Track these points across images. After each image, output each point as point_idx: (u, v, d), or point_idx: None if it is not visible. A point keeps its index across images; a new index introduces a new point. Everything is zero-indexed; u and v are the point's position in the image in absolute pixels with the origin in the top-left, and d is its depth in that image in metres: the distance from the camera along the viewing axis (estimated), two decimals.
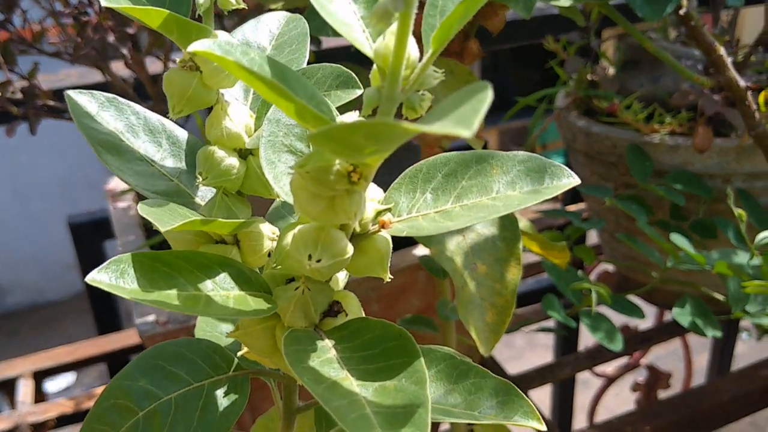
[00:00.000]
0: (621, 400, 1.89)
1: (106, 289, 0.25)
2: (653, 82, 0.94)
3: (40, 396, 1.04)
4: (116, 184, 0.94)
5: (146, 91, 0.77)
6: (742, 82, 0.62)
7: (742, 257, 0.72)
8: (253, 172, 0.32)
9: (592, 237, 1.57)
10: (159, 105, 0.75)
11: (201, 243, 0.33)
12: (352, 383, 0.26)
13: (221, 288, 0.28)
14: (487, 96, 0.18)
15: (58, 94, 0.78)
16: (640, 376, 1.57)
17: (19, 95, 0.68)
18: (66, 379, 2.42)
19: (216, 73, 0.31)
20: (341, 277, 0.31)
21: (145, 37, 0.78)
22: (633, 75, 0.95)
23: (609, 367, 1.54)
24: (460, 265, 0.55)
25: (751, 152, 0.81)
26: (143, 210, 0.29)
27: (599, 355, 1.02)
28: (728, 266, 0.70)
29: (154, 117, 0.35)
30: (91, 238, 1.18)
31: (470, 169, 0.28)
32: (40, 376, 1.05)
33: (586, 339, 1.15)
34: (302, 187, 0.25)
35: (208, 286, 0.28)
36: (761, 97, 0.66)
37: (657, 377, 1.53)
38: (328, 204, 0.25)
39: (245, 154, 0.33)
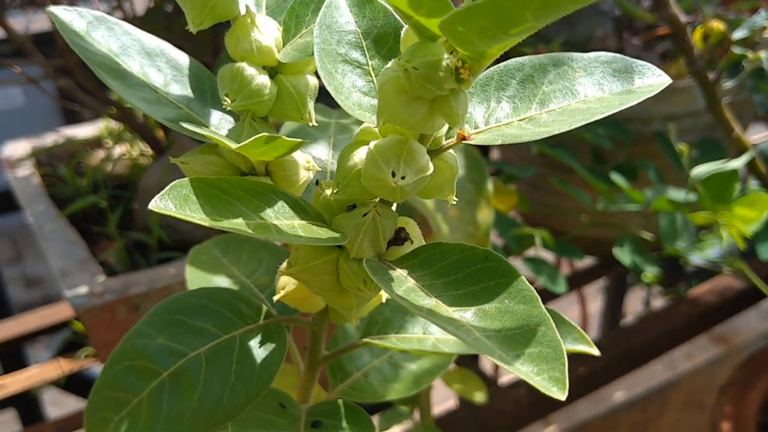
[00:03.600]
0: None
1: (174, 215, 0.22)
2: (569, 29, 0.95)
3: None
4: (12, 151, 0.85)
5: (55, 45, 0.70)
6: (683, 18, 0.63)
7: (677, 194, 0.74)
8: (285, 92, 0.29)
9: None
10: (70, 57, 0.67)
11: (226, 175, 0.29)
12: (446, 310, 0.24)
13: (282, 217, 0.25)
14: None
15: None
16: None
17: None
18: None
19: None
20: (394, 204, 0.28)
21: None
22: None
23: None
24: (432, 209, 0.53)
25: (669, 94, 0.83)
26: (194, 129, 0.25)
27: None
28: (667, 201, 0.72)
29: (150, 38, 0.31)
30: None
31: (549, 74, 0.26)
32: None
33: None
34: (400, 90, 0.22)
35: (269, 214, 0.24)
36: (697, 34, 0.67)
37: None
38: (429, 108, 0.22)
39: (272, 72, 0.29)
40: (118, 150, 0.83)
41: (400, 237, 0.27)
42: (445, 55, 0.21)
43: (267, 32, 0.28)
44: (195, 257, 0.40)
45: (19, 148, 0.87)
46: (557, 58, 0.27)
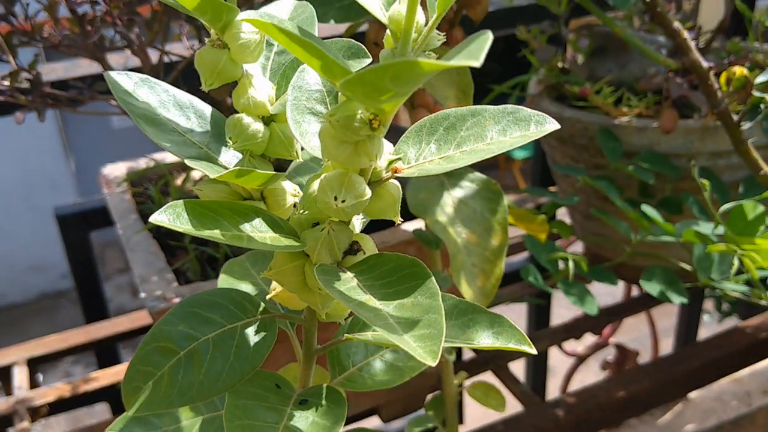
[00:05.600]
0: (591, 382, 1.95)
1: (166, 226, 0.30)
2: (620, 68, 0.99)
3: (33, 383, 1.06)
4: (110, 170, 0.98)
5: None
6: (705, 64, 0.68)
7: (706, 227, 0.78)
8: (276, 136, 0.37)
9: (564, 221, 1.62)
10: None
11: (231, 199, 0.37)
12: (375, 303, 0.31)
13: (258, 230, 0.33)
14: (489, 37, 0.22)
15: (53, 85, 0.82)
16: (609, 355, 1.63)
17: (25, 84, 0.71)
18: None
19: (242, 50, 0.35)
20: (357, 224, 0.36)
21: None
22: (601, 62, 1.01)
23: (579, 347, 1.60)
24: (452, 235, 0.60)
25: (714, 132, 0.87)
26: (191, 163, 0.33)
27: (574, 328, 1.07)
28: (695, 234, 0.75)
29: (182, 94, 0.40)
30: (78, 229, 1.20)
31: (467, 122, 0.33)
32: (33, 364, 1.08)
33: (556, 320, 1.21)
34: (331, 135, 0.30)
35: (246, 228, 0.33)
36: (722, 78, 0.72)
37: (625, 355, 1.59)
38: (353, 149, 0.30)
39: (268, 120, 0.37)
40: (199, 173, 0.94)
41: (353, 248, 0.35)
42: (360, 111, 0.29)
43: (261, 90, 0.36)
44: (229, 267, 0.49)
45: (116, 169, 0.99)
46: (475, 110, 0.34)
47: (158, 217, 0.30)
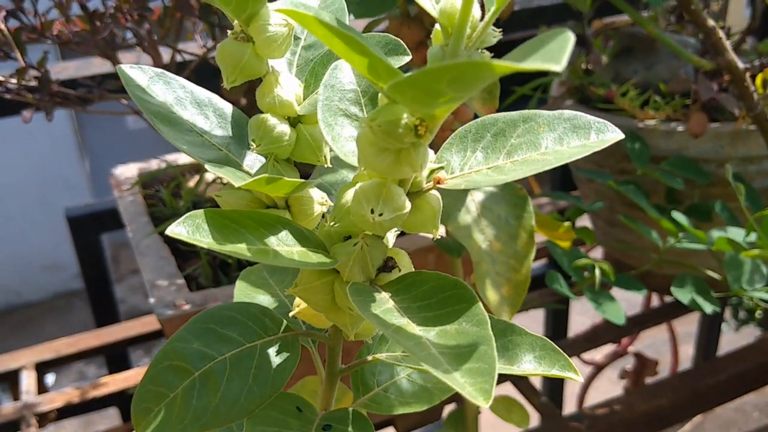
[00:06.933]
0: (609, 390, 1.92)
1: (185, 239, 0.27)
2: (647, 70, 0.96)
3: (42, 388, 1.04)
4: (121, 172, 0.95)
5: None
6: (741, 64, 0.65)
7: (738, 234, 0.75)
8: (303, 139, 0.34)
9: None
10: None
11: (253, 207, 0.34)
12: (414, 328, 0.28)
13: (284, 244, 0.30)
14: (570, 37, 0.19)
15: (63, 84, 0.79)
16: (627, 363, 1.60)
17: (33, 83, 0.69)
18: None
19: (269, 43, 0.32)
20: (391, 237, 0.33)
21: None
22: (627, 63, 0.98)
23: (598, 355, 1.56)
24: (476, 242, 0.57)
25: (745, 136, 0.84)
26: (212, 169, 0.30)
27: (594, 337, 1.04)
28: (727, 241, 0.72)
29: (201, 91, 0.37)
30: (89, 231, 1.18)
31: (518, 128, 0.30)
32: (42, 368, 1.05)
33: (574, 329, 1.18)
34: (371, 142, 0.26)
35: (272, 241, 0.29)
36: (758, 80, 0.68)
37: (644, 364, 1.56)
38: (395, 158, 0.27)
39: (294, 122, 0.34)
40: (212, 175, 0.91)
41: (388, 265, 0.32)
42: (405, 115, 0.26)
43: (288, 88, 0.33)
44: (246, 276, 0.46)
45: (127, 171, 0.97)
46: (527, 115, 0.30)
47: (176, 230, 0.27)
